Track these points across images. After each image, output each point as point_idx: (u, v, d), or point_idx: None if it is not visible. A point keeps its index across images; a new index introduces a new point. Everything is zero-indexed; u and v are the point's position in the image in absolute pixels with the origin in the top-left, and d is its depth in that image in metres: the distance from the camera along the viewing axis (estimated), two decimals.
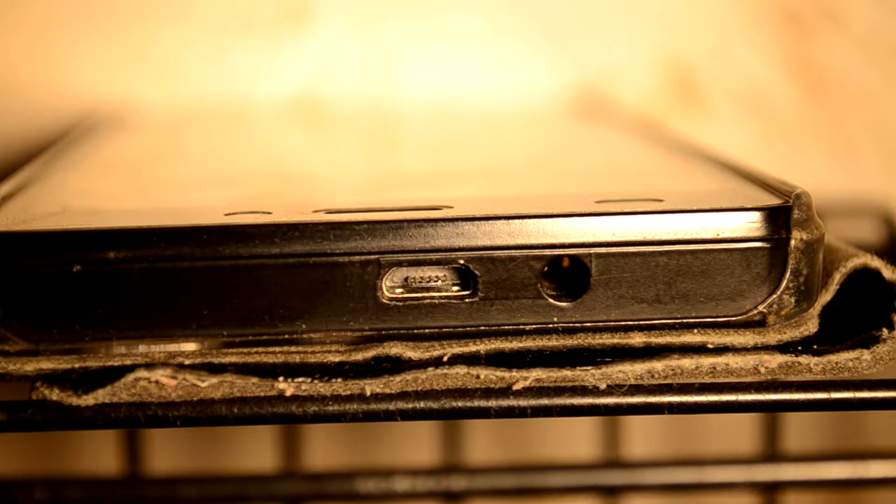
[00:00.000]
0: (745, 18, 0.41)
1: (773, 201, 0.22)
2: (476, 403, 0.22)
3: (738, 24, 0.41)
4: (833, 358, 0.22)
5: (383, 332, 0.22)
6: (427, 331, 0.22)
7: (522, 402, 0.22)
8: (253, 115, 0.40)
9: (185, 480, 0.33)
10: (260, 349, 0.22)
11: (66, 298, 0.21)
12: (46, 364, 0.21)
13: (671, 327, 0.22)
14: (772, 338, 0.22)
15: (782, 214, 0.22)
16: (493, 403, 0.22)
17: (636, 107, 0.40)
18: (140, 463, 0.39)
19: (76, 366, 0.21)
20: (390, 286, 0.22)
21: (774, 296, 0.22)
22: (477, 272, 0.22)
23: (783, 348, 0.22)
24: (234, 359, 0.22)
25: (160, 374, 0.21)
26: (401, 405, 0.22)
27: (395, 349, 0.22)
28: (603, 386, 0.22)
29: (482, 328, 0.22)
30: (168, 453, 0.43)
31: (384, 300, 0.22)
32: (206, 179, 0.27)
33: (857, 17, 0.40)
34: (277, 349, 0.22)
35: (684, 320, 0.22)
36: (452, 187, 0.26)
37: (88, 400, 0.21)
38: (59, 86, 0.40)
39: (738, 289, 0.22)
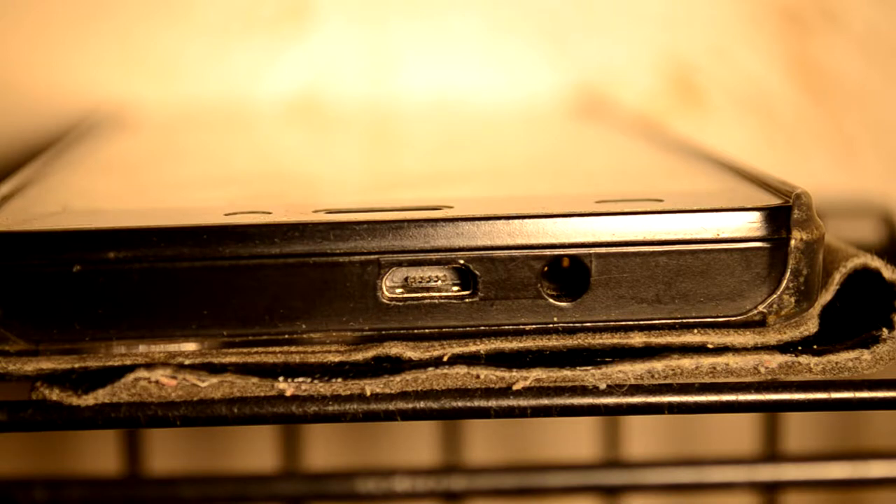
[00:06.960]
0: (745, 18, 0.41)
1: (773, 201, 0.22)
2: (476, 403, 0.22)
3: (738, 24, 0.41)
4: (833, 358, 0.22)
5: (383, 332, 0.22)
6: (427, 331, 0.22)
7: (522, 402, 0.22)
8: (253, 115, 0.40)
9: (185, 480, 0.33)
10: (260, 349, 0.22)
11: (66, 298, 0.21)
12: (46, 364, 0.21)
13: (671, 327, 0.22)
14: (772, 338, 0.22)
15: (782, 214, 0.22)
16: (493, 403, 0.22)
17: (636, 107, 0.40)
18: (140, 463, 0.39)
19: (76, 366, 0.21)
20: (390, 286, 0.22)
21: (774, 296, 0.22)
22: (477, 272, 0.22)
23: (783, 348, 0.22)
24: (234, 359, 0.22)
25: (160, 374, 0.21)
26: (401, 405, 0.22)
27: (395, 349, 0.22)
28: (603, 386, 0.22)
29: (482, 328, 0.22)
30: (168, 453, 0.43)
31: (384, 300, 0.22)
32: (206, 179, 0.27)
33: (857, 17, 0.40)
34: (277, 349, 0.22)
35: (684, 320, 0.22)
36: (452, 187, 0.26)
37: (88, 400, 0.21)
38: (59, 86, 0.40)
39: (738, 289, 0.22)
